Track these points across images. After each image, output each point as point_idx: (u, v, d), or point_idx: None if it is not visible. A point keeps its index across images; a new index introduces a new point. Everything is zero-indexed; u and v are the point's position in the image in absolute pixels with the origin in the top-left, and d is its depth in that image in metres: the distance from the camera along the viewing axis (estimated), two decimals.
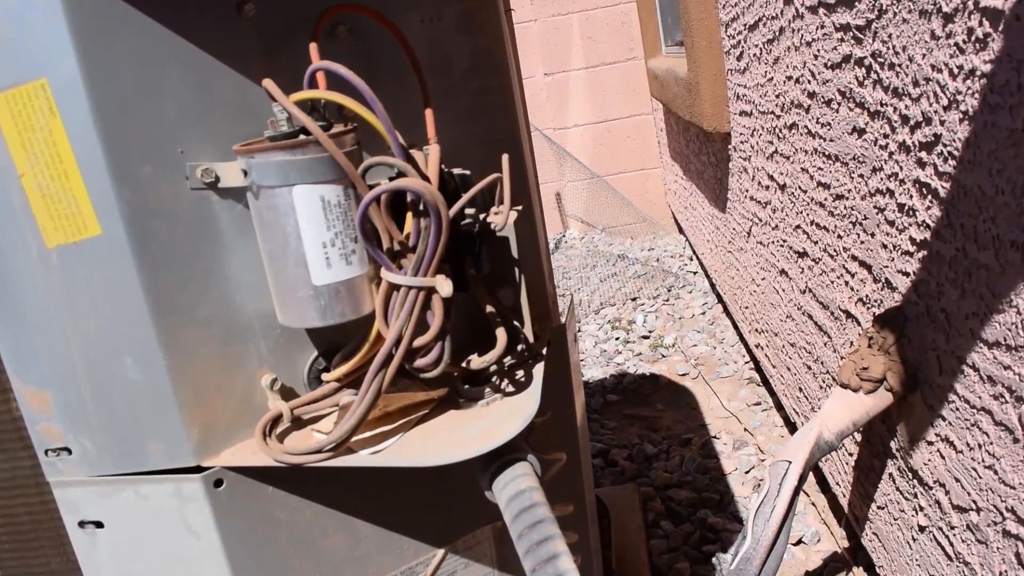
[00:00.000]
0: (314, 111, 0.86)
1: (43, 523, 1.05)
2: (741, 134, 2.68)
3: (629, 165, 5.48)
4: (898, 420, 1.51)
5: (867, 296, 1.63)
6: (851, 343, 1.73)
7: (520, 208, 1.04)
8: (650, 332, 3.75)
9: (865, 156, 1.53)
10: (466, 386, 0.98)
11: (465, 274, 0.95)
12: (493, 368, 0.98)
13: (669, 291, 4.21)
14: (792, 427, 2.69)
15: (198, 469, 0.93)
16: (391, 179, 0.88)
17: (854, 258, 1.68)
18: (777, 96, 2.15)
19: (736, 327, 3.55)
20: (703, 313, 3.88)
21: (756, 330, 2.89)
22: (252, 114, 0.91)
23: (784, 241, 2.28)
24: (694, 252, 4.56)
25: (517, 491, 0.87)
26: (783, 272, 2.34)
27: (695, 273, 4.39)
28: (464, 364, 0.98)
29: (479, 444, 0.87)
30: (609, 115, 5.42)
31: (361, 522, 1.03)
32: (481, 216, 0.98)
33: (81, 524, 0.99)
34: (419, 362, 0.88)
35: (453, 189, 0.93)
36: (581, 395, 1.27)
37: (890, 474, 1.62)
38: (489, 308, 0.96)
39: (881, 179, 1.47)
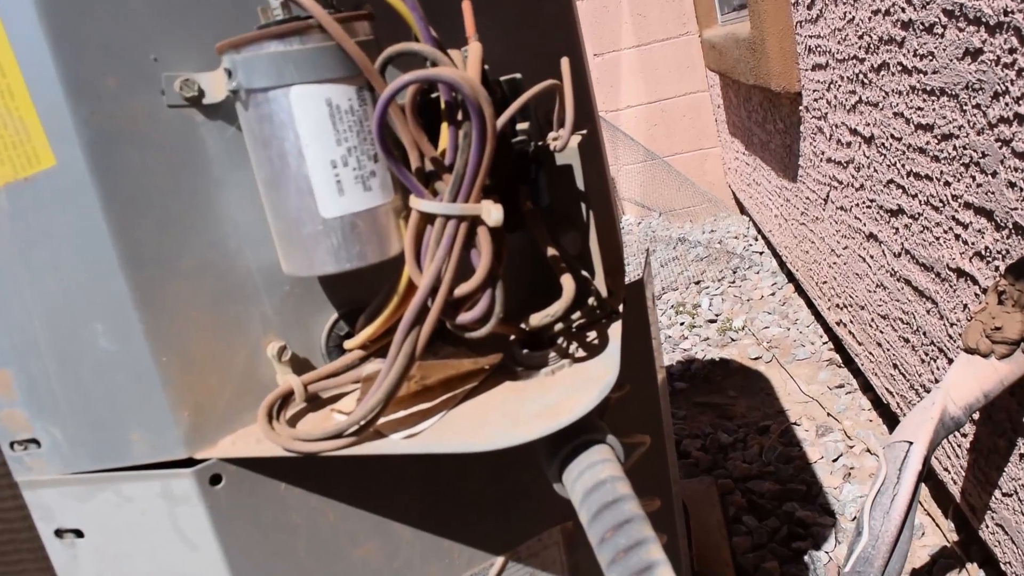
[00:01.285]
0: None
1: (20, 532, 0.87)
2: (815, 91, 2.44)
3: (686, 146, 5.23)
4: None
5: (987, 248, 1.39)
6: (977, 301, 1.49)
7: (584, 133, 0.84)
8: (717, 316, 3.52)
9: (982, 81, 1.30)
10: (525, 351, 0.78)
11: (519, 208, 0.75)
12: (559, 327, 0.77)
13: (735, 273, 3.97)
14: (884, 409, 2.44)
15: (190, 463, 0.73)
16: None
17: (968, 206, 1.45)
18: (860, 37, 1.91)
19: (811, 306, 3.29)
20: (773, 294, 3.62)
21: (837, 306, 2.64)
22: (243, 11, 0.71)
23: (872, 201, 2.04)
24: (759, 231, 4.31)
25: (596, 482, 0.66)
26: (871, 236, 2.10)
27: (761, 253, 4.14)
28: (522, 325, 0.77)
29: (544, 422, 0.67)
30: (663, 94, 5.17)
31: (399, 526, 0.83)
32: (536, 143, 0.78)
33: (58, 533, 0.81)
34: (463, 317, 0.68)
35: (500, 98, 0.73)
36: (663, 367, 1.06)
37: (1022, 454, 1.39)
38: (551, 251, 0.76)
39: (1006, 104, 1.24)
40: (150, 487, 0.74)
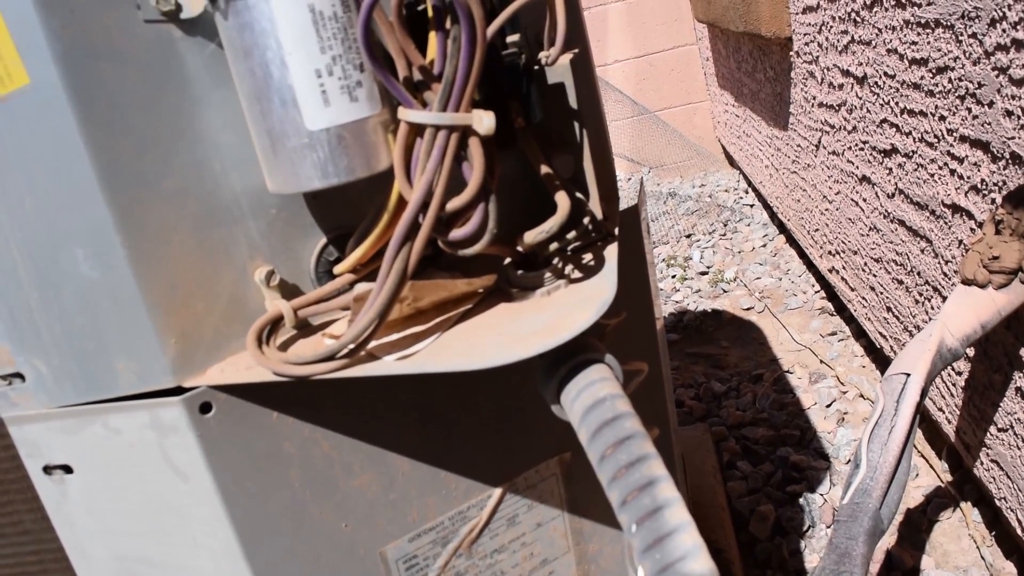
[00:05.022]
0: None
1: (8, 472, 0.85)
2: (806, 34, 2.41)
3: (674, 100, 5.19)
4: None
5: (983, 181, 1.38)
6: (972, 235, 1.47)
7: (577, 51, 0.82)
8: (708, 268, 3.50)
9: (979, 9, 1.27)
10: (519, 272, 0.76)
11: (511, 124, 0.73)
12: (553, 247, 0.76)
13: (725, 226, 3.95)
14: (876, 354, 2.44)
15: (179, 391, 0.72)
16: None
17: (963, 139, 1.43)
18: None
19: (803, 256, 3.28)
20: (764, 245, 3.61)
21: (829, 253, 2.63)
22: None
23: (864, 143, 2.02)
24: (749, 184, 4.29)
25: (595, 400, 0.65)
26: (864, 179, 2.08)
27: (752, 206, 4.12)
28: (516, 248, 0.76)
29: (541, 340, 0.65)
30: (651, 48, 5.12)
31: (395, 456, 0.82)
32: (527, 57, 0.76)
33: (46, 470, 0.79)
34: (455, 233, 0.66)
35: (489, 9, 0.70)
36: (658, 299, 1.04)
37: (1018, 388, 1.38)
38: (544, 169, 0.74)
39: (1003, 31, 1.21)
40: (138, 417, 0.72)
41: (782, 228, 3.62)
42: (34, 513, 0.87)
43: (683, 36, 5.04)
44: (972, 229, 1.46)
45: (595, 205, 0.79)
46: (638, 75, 5.18)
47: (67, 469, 0.78)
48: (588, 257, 0.78)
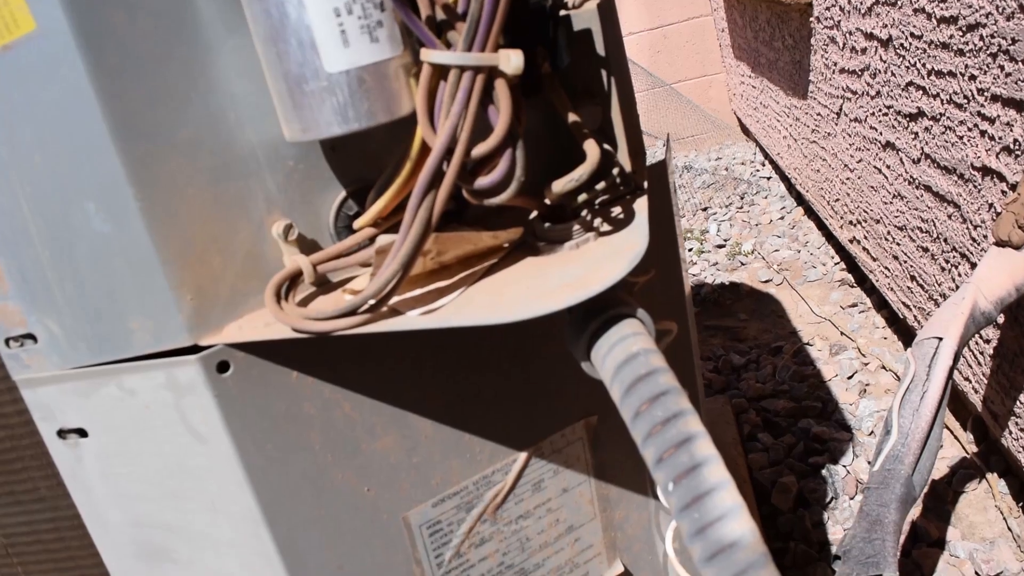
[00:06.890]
0: None
1: (22, 437, 0.83)
2: None
3: (689, 72, 5.13)
4: None
5: (1016, 141, 1.34)
6: (1004, 198, 1.43)
7: None
8: (726, 241, 3.47)
9: None
10: (547, 225, 0.73)
11: (537, 70, 0.70)
12: (582, 199, 0.73)
13: (742, 198, 3.90)
14: (898, 325, 2.40)
15: (195, 350, 0.69)
16: None
17: (995, 98, 1.39)
18: None
19: (822, 228, 3.24)
20: (782, 218, 3.57)
21: (850, 223, 2.59)
22: None
23: (889, 108, 1.97)
24: (766, 156, 4.24)
25: (628, 355, 0.62)
26: (888, 145, 2.04)
27: (769, 179, 4.07)
28: (543, 199, 0.73)
29: (571, 293, 0.62)
30: (665, 20, 5.05)
31: (418, 419, 0.79)
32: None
33: (61, 434, 0.77)
34: (481, 181, 0.63)
35: None
36: (685, 261, 1.01)
37: None
38: (572, 117, 0.71)
39: None
40: (154, 378, 0.70)
41: (800, 200, 3.57)
42: (49, 479, 0.85)
43: (698, 7, 4.97)
44: (1004, 191, 1.42)
45: (623, 157, 0.76)
46: (652, 47, 5.12)
47: (82, 433, 0.76)
48: (617, 210, 0.75)
